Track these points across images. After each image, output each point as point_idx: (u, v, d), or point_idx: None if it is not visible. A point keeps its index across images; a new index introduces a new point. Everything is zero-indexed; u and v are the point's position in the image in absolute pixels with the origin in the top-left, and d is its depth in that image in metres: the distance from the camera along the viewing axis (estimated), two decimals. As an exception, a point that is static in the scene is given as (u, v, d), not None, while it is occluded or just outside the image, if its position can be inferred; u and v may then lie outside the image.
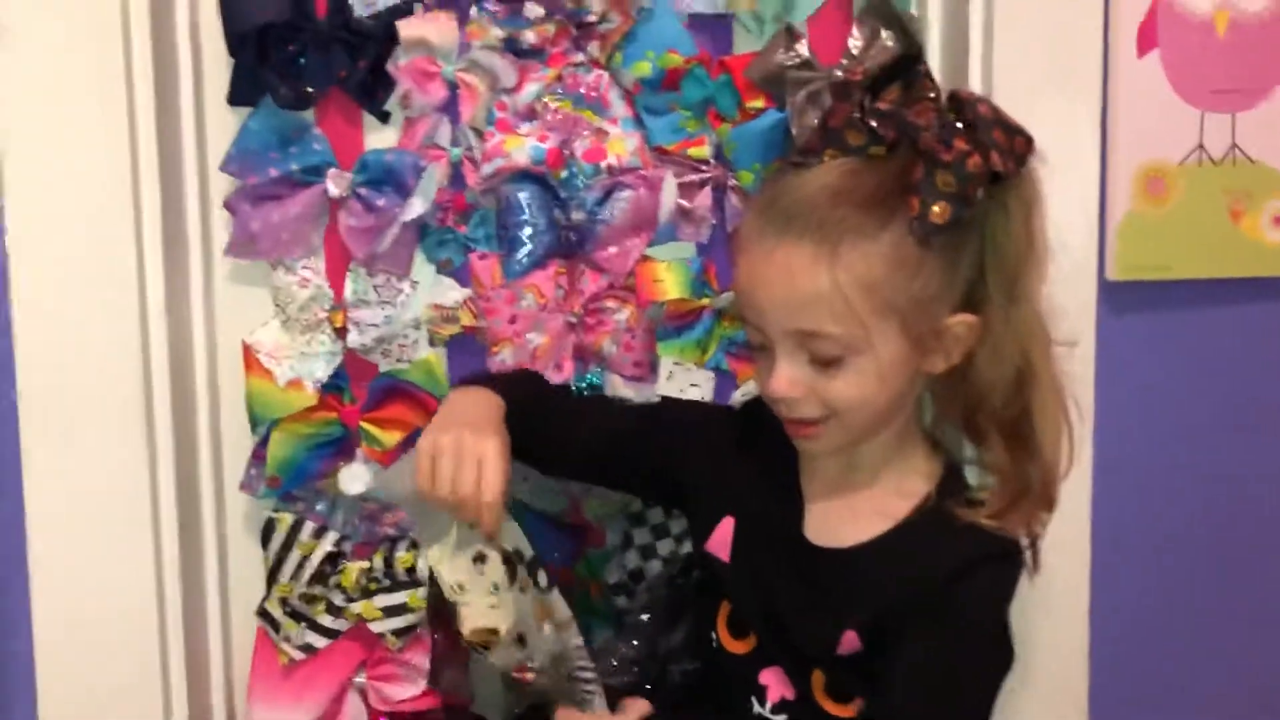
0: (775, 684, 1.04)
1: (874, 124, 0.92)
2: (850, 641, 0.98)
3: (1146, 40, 1.19)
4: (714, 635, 1.10)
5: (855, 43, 1.24)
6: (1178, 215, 1.21)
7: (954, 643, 0.96)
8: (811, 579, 1.01)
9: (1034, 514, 0.99)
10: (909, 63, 0.97)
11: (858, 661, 0.98)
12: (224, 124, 1.24)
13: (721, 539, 1.07)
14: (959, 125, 0.90)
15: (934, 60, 1.25)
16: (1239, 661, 1.30)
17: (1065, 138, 1.20)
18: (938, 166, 0.89)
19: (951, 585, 0.95)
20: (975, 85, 1.21)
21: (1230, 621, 1.30)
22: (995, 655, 0.99)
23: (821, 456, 1.02)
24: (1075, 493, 1.23)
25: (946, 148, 0.89)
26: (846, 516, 1.01)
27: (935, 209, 0.89)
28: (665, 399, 1.22)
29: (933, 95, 0.94)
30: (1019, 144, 0.92)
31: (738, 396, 1.27)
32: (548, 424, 1.13)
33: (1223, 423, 1.26)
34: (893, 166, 0.92)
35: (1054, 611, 1.22)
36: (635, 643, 1.26)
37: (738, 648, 1.07)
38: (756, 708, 1.05)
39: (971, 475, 1.04)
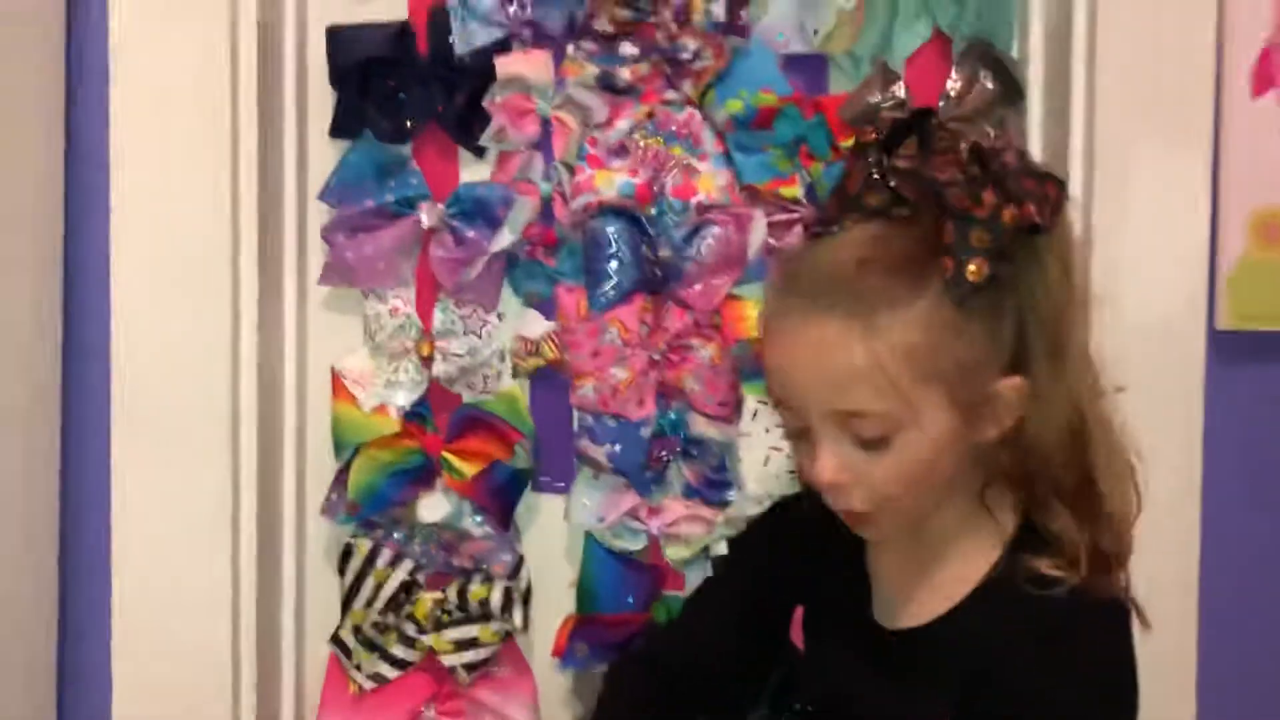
0: None
1: (894, 183, 0.87)
2: None
3: (1262, 80, 1.15)
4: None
5: (954, 84, 1.22)
6: (1294, 262, 1.15)
7: (1076, 700, 0.86)
8: (887, 665, 0.94)
9: (1115, 570, 0.91)
10: (921, 117, 0.90)
11: None
12: (325, 156, 1.27)
13: (797, 629, 1.02)
14: (986, 178, 0.85)
15: (1034, 104, 1.22)
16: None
17: (1174, 183, 1.16)
18: (971, 223, 0.83)
19: (1056, 640, 0.86)
20: (1078, 129, 1.18)
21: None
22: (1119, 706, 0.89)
23: (879, 540, 0.96)
24: (1183, 558, 1.17)
25: (977, 203, 0.84)
26: (918, 594, 0.94)
27: (971, 267, 0.83)
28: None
29: (951, 148, 0.88)
30: (1051, 190, 0.86)
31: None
32: (696, 700, 1.06)
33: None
34: (919, 229, 0.86)
35: (1160, 679, 1.14)
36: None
37: None
38: None
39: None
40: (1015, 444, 0.89)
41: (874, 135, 0.90)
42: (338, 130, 1.26)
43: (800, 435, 0.90)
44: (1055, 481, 0.89)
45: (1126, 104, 1.17)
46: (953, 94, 1.21)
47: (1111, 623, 0.90)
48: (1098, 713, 0.88)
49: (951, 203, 0.84)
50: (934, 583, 0.93)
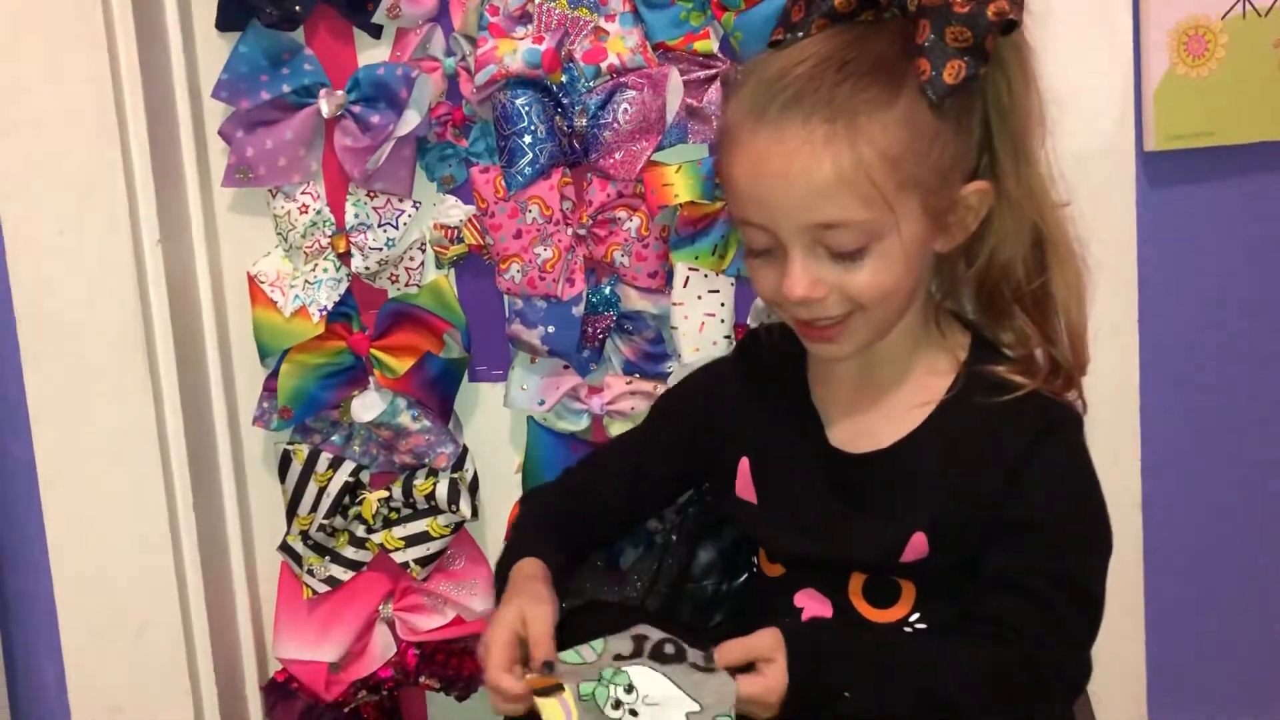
0: (810, 605, 0.97)
1: None
2: (918, 546, 0.90)
3: (1182, -116, 1.10)
4: (755, 559, 1.05)
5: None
6: (1222, 76, 1.12)
7: (1060, 519, 0.88)
8: (854, 491, 0.93)
9: (1074, 377, 0.93)
10: None
11: (921, 564, 0.91)
12: (216, 51, 1.21)
13: (745, 482, 1.00)
14: None
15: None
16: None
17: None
18: (949, 21, 0.82)
19: (1031, 459, 0.88)
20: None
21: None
22: (1100, 521, 0.91)
23: (841, 360, 0.95)
24: (1123, 371, 1.17)
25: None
26: (876, 417, 0.94)
27: (948, 68, 0.82)
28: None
29: None
30: None
31: (759, 304, 1.21)
32: (593, 535, 1.06)
33: (1274, 296, 1.18)
34: (890, 31, 0.85)
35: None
36: (669, 562, 1.22)
37: (775, 570, 1.01)
38: None
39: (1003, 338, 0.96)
40: (980, 253, 0.91)
41: None
42: (223, 21, 1.20)
43: (766, 253, 0.88)
44: (1017, 290, 0.91)
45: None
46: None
47: (1077, 426, 0.92)
48: (1083, 505, 0.90)
49: (928, 1, 0.83)
50: (891, 405, 0.93)
